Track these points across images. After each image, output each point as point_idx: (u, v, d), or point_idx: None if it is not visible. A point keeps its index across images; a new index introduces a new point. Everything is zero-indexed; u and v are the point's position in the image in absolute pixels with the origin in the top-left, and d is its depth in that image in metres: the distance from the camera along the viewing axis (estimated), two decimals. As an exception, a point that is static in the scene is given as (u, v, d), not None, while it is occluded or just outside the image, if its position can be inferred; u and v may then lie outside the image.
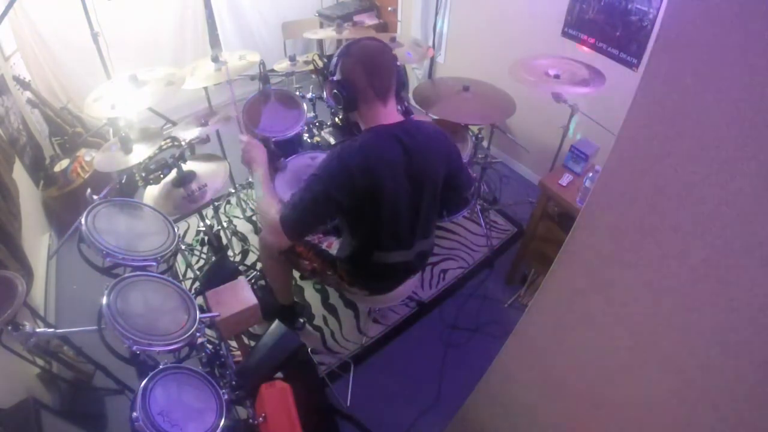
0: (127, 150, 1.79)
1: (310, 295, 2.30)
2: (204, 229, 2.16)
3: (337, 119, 2.31)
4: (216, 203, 2.47)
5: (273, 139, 1.97)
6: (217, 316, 1.42)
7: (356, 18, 3.62)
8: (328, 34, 2.62)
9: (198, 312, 1.26)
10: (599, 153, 1.88)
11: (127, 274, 1.25)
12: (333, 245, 1.66)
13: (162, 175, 1.71)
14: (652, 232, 0.69)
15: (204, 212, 2.11)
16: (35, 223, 2.47)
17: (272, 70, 2.54)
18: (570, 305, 0.93)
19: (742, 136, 0.54)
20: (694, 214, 0.62)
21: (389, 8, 3.64)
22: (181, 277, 2.39)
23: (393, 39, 2.48)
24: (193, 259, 2.43)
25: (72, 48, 2.86)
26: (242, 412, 1.29)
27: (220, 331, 1.52)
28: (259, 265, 2.36)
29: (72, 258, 1.44)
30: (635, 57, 2.06)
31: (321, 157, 1.81)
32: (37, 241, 2.45)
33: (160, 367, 1.12)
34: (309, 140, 2.29)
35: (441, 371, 1.98)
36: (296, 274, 2.05)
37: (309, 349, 1.90)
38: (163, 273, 1.36)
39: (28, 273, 2.02)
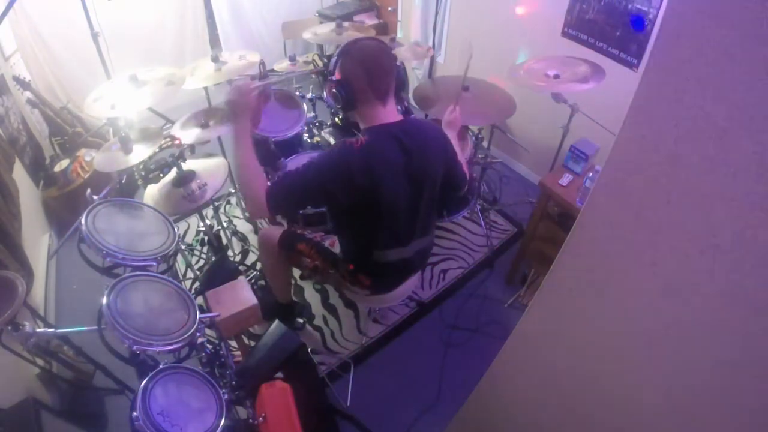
0: (127, 150, 1.79)
1: (310, 295, 2.30)
2: (204, 229, 2.16)
3: (337, 119, 2.31)
4: (216, 203, 2.47)
5: (273, 139, 1.97)
6: (217, 316, 1.42)
7: (356, 18, 3.62)
8: (327, 34, 2.62)
9: (198, 312, 1.26)
10: (599, 153, 1.88)
11: (127, 274, 1.25)
12: (335, 243, 1.66)
13: (162, 175, 1.72)
14: (652, 232, 0.69)
15: (204, 212, 2.11)
16: (35, 223, 2.47)
17: (272, 70, 2.54)
18: (570, 305, 0.93)
19: (742, 136, 0.54)
20: (694, 214, 0.62)
21: (389, 8, 3.65)
22: (181, 277, 2.39)
23: (393, 39, 2.49)
24: (193, 259, 2.43)
25: (72, 48, 2.87)
26: (242, 412, 1.29)
27: (220, 331, 1.52)
28: (259, 265, 2.36)
29: (72, 258, 1.44)
30: (635, 57, 2.06)
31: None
32: (37, 241, 2.45)
33: (160, 367, 1.13)
34: (309, 140, 2.29)
35: (441, 371, 1.98)
36: (296, 273, 2.05)
37: (309, 349, 1.90)
38: (163, 273, 1.36)
39: (28, 273, 2.02)
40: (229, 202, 2.78)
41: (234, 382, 1.30)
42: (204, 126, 1.97)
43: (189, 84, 2.07)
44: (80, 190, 2.42)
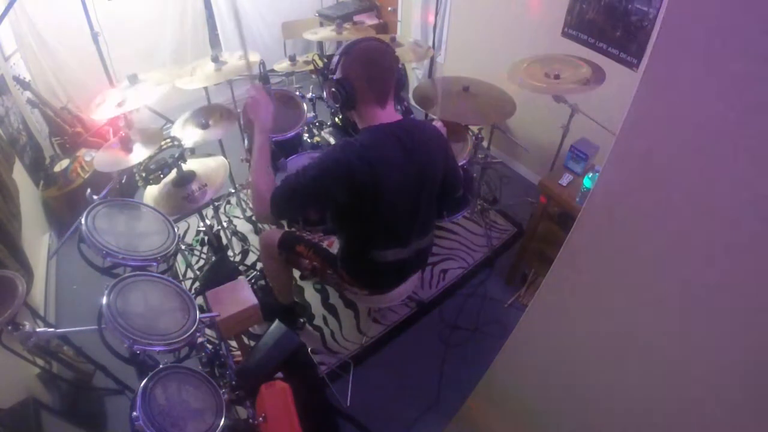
0: (127, 150, 1.79)
1: (310, 295, 2.30)
2: (204, 229, 2.16)
3: (337, 119, 2.31)
4: (216, 203, 2.47)
5: (273, 139, 1.97)
6: (217, 316, 1.43)
7: (356, 18, 3.62)
8: (327, 34, 2.62)
9: (198, 312, 1.26)
10: (599, 153, 1.88)
11: (127, 274, 1.25)
12: (333, 244, 1.66)
13: (162, 175, 1.71)
14: (652, 232, 0.69)
15: (204, 212, 2.11)
16: (35, 223, 2.47)
17: (272, 70, 2.53)
18: (570, 305, 0.93)
19: (742, 135, 0.54)
20: (694, 214, 0.62)
21: (389, 8, 3.65)
22: (181, 277, 2.39)
23: (393, 39, 2.49)
24: (193, 259, 2.43)
25: (72, 48, 2.86)
26: (242, 412, 1.29)
27: (220, 331, 1.52)
28: (259, 265, 2.36)
29: (72, 258, 1.44)
30: (635, 57, 2.06)
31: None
32: (37, 241, 2.45)
33: (160, 366, 1.13)
34: (309, 140, 2.29)
35: (441, 371, 1.98)
36: (296, 273, 2.05)
37: (309, 349, 1.90)
38: (163, 273, 1.36)
39: (28, 273, 2.02)
40: (229, 202, 2.78)
41: (234, 382, 1.30)
42: (204, 126, 1.97)
43: (189, 84, 2.07)
44: (80, 190, 2.42)
